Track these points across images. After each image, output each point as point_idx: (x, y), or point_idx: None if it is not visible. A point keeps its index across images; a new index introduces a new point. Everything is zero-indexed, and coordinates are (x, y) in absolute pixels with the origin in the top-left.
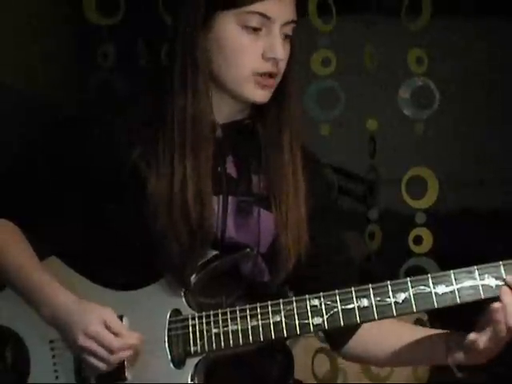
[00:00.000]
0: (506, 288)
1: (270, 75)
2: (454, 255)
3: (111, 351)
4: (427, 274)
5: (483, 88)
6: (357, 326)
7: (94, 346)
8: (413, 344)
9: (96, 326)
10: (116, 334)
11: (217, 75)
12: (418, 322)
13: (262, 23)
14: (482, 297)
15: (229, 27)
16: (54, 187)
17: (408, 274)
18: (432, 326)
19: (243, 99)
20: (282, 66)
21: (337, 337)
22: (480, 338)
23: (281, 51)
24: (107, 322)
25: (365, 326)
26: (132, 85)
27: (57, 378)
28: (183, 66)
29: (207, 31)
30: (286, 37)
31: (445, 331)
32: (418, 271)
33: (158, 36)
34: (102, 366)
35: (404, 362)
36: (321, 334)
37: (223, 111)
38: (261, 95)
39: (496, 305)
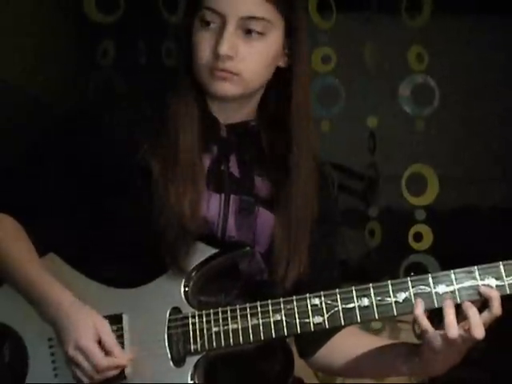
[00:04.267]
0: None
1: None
2: (454, 252)
3: (97, 370)
4: (427, 270)
5: (483, 85)
6: (327, 337)
7: (81, 359)
8: (377, 356)
9: (88, 340)
10: (107, 353)
11: None
12: None
13: (212, 18)
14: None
15: (195, 23)
16: (55, 184)
17: (408, 270)
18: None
19: (209, 94)
20: (239, 64)
21: (307, 346)
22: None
23: (224, 47)
24: (101, 336)
25: (333, 337)
26: (132, 82)
27: (56, 376)
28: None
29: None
30: (251, 33)
31: (408, 343)
32: (418, 268)
33: (158, 33)
34: (85, 380)
35: (368, 373)
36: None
37: (227, 113)
38: (219, 88)
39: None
